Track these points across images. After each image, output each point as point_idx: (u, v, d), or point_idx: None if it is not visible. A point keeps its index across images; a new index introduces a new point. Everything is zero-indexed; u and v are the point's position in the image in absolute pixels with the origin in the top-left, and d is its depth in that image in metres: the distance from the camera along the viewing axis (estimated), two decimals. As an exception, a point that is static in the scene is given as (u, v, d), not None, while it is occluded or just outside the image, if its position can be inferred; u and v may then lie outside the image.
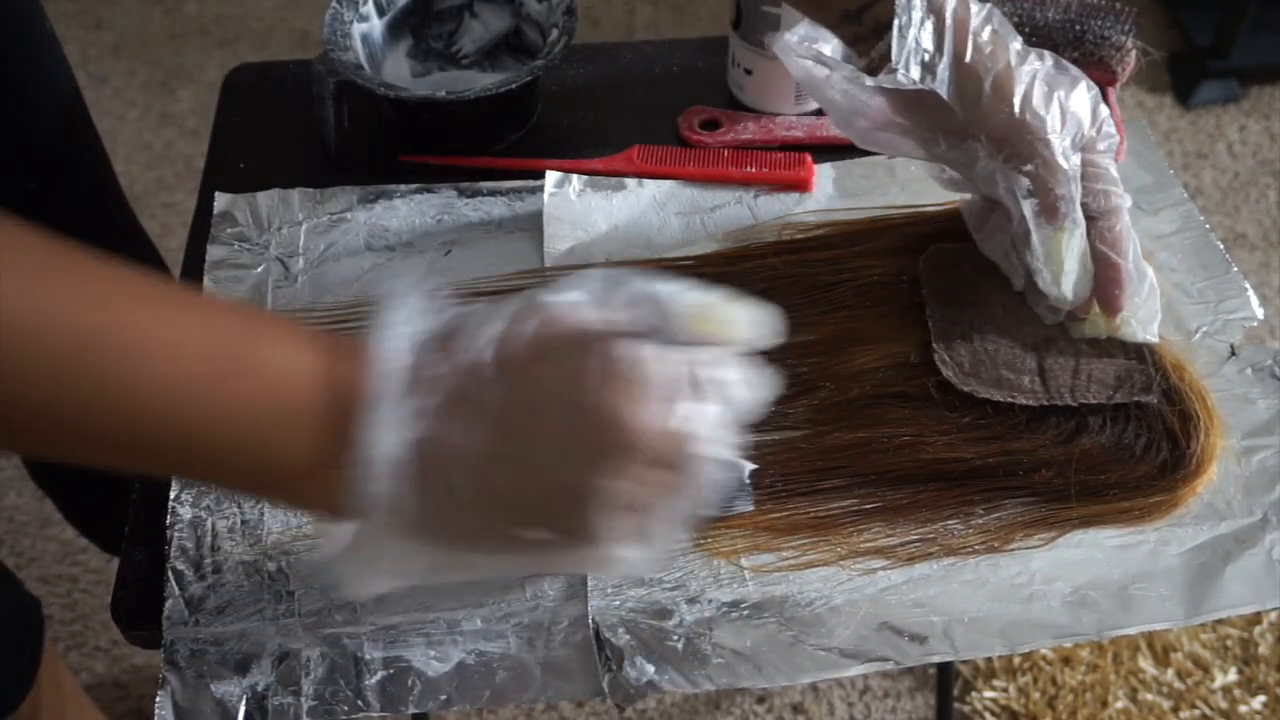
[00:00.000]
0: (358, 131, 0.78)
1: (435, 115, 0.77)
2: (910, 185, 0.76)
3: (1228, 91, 1.89)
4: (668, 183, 0.76)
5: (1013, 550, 0.59)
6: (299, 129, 0.80)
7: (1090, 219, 0.61)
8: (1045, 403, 0.62)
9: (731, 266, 0.71)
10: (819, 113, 0.81)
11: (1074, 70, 0.61)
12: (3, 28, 0.73)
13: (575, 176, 0.76)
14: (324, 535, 0.43)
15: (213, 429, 0.40)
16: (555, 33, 0.77)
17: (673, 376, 0.42)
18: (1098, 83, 0.78)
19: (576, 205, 0.74)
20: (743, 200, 0.75)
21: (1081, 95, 0.60)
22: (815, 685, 1.28)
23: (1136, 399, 0.63)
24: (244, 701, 0.55)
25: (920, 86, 0.60)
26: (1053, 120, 0.59)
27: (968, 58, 0.59)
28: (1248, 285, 0.70)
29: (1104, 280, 0.61)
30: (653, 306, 0.43)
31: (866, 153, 0.78)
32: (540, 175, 0.76)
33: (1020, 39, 0.61)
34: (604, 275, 0.45)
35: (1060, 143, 0.59)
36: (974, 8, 0.60)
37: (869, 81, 0.61)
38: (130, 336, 0.39)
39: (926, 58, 0.60)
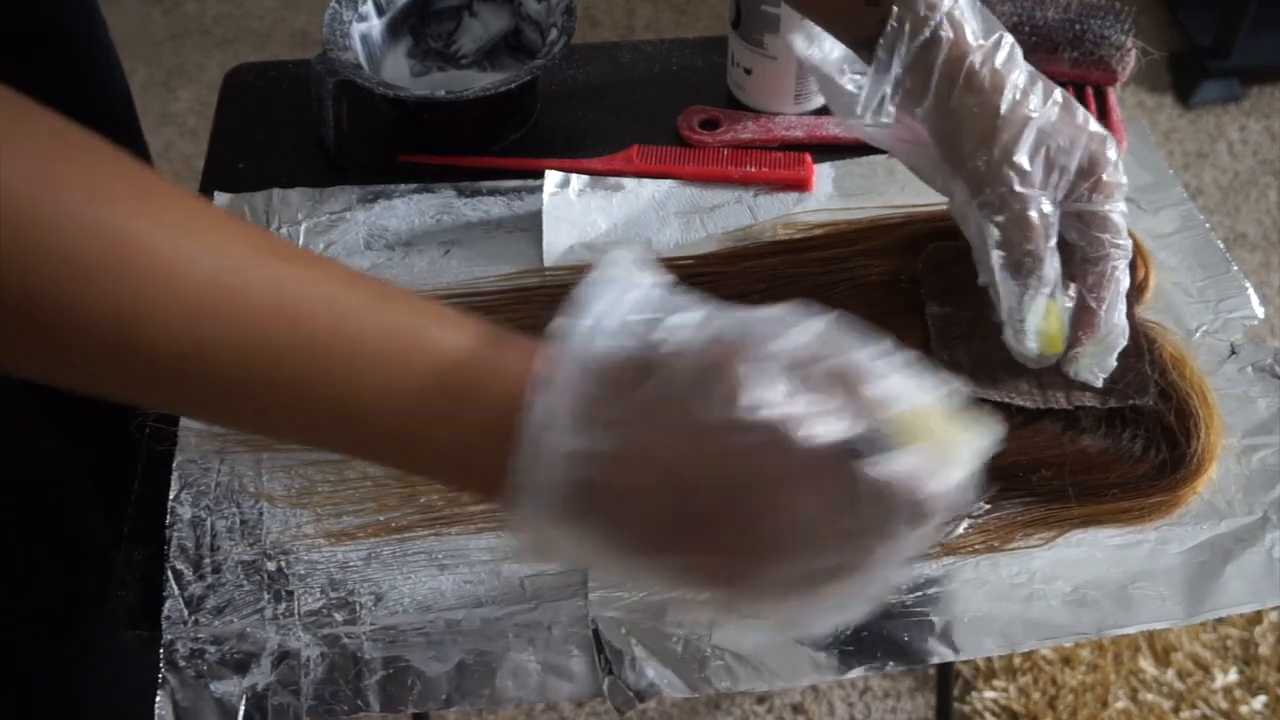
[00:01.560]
0: (357, 131, 0.78)
1: (434, 115, 0.77)
2: (910, 185, 0.76)
3: (1228, 91, 1.89)
4: (667, 182, 0.76)
5: (1012, 549, 0.59)
6: (299, 129, 0.80)
7: (1085, 263, 0.59)
8: (1041, 405, 0.62)
9: (731, 266, 0.70)
10: (819, 112, 0.81)
11: (1081, 115, 0.58)
12: (67, 39, 0.75)
13: (575, 176, 0.76)
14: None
15: (388, 412, 0.40)
16: (554, 32, 0.77)
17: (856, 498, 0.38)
18: (1097, 82, 0.79)
19: (576, 205, 0.74)
20: (742, 200, 0.75)
21: (1081, 146, 0.57)
22: (815, 685, 1.28)
23: (1131, 402, 0.62)
24: (243, 701, 0.55)
25: (887, 128, 0.58)
26: (1035, 174, 0.57)
27: (953, 99, 0.57)
28: (1248, 284, 0.70)
29: (1078, 320, 0.60)
30: (856, 404, 0.39)
31: (866, 153, 0.78)
32: (539, 175, 0.76)
33: (1027, 73, 0.58)
34: (812, 338, 0.40)
35: (1038, 198, 0.57)
36: (976, 41, 0.57)
37: (846, 122, 0.60)
38: (325, 324, 0.40)
39: (903, 96, 0.58)
